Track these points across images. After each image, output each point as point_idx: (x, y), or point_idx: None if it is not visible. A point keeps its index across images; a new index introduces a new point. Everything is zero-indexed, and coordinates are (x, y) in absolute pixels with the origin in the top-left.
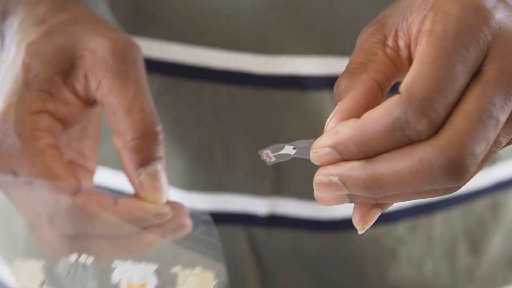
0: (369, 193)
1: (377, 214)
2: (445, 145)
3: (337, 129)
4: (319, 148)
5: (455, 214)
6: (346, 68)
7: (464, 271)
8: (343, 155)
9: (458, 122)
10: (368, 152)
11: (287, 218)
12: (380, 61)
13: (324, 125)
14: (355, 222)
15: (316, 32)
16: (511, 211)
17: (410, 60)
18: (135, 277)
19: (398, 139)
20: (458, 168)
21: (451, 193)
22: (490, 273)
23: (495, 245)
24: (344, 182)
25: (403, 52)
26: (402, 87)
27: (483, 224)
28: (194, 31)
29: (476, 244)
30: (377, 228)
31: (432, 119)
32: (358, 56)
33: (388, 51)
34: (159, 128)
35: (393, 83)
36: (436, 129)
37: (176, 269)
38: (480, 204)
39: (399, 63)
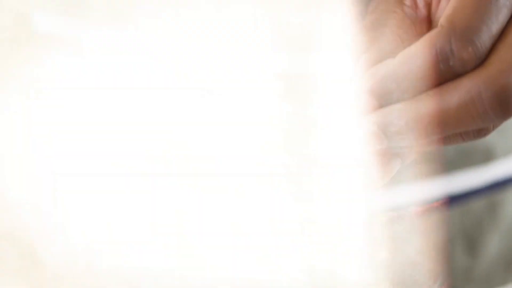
0: (411, 138)
1: (397, 166)
2: (494, 74)
3: (373, 72)
4: None
5: (452, 213)
6: (363, 25)
7: (461, 271)
8: (381, 98)
9: (504, 52)
10: (409, 89)
11: None
12: (400, 18)
13: None
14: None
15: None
16: (509, 211)
17: (428, 20)
18: None
19: (441, 73)
20: (509, 97)
21: (480, 137)
22: (487, 273)
23: (492, 245)
24: (384, 128)
25: (422, 12)
26: (442, 20)
27: (480, 223)
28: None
29: (473, 244)
30: None
31: (478, 46)
32: (376, 13)
33: (407, 10)
34: None
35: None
36: (481, 60)
37: None
38: (477, 204)
39: (418, 23)
